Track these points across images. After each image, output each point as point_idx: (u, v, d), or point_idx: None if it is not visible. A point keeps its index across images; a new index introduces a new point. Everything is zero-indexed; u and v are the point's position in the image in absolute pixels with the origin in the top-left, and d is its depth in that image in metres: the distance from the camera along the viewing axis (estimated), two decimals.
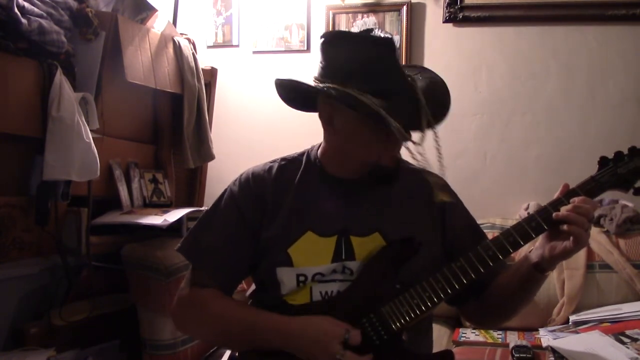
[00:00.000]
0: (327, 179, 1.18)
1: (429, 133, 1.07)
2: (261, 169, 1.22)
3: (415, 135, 1.05)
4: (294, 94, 1.18)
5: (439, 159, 1.09)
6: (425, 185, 1.13)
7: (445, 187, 1.26)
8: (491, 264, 1.06)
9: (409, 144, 1.06)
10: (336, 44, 1.10)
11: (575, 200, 1.03)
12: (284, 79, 1.16)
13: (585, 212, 1.01)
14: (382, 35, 1.09)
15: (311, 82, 1.11)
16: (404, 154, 1.13)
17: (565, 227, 1.01)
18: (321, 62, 1.11)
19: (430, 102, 1.07)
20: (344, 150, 1.14)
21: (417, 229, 1.16)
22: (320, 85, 1.08)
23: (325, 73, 1.09)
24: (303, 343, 1.04)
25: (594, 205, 1.03)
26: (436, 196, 1.16)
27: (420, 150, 1.05)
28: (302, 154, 1.24)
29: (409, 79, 1.09)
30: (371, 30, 1.12)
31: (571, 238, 1.01)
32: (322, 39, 1.11)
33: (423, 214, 1.19)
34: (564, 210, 1.02)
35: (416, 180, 1.16)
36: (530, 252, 1.10)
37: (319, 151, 1.21)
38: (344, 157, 1.15)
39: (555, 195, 1.07)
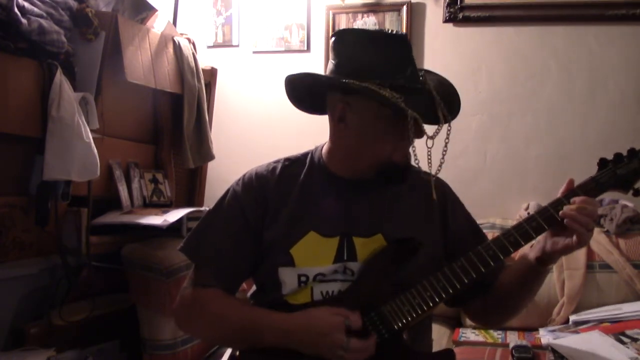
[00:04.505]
0: (331, 179, 1.18)
1: (441, 130, 1.07)
2: (264, 169, 1.22)
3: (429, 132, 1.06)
4: (304, 91, 1.18)
5: (442, 159, 1.09)
6: (427, 187, 1.13)
7: (446, 189, 1.26)
8: (492, 263, 1.06)
9: (414, 144, 1.07)
10: (349, 41, 1.10)
11: (577, 200, 1.03)
12: (298, 73, 1.14)
13: (591, 213, 1.02)
14: (395, 32, 1.09)
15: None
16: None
17: (570, 226, 1.01)
18: (334, 60, 1.10)
19: (443, 99, 1.08)
20: (354, 149, 1.13)
21: (419, 230, 1.16)
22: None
23: (339, 70, 1.08)
24: (306, 338, 1.04)
25: (596, 205, 1.04)
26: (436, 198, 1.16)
27: (429, 147, 1.05)
28: (305, 155, 1.24)
29: (423, 78, 1.10)
30: (380, 30, 1.12)
31: (574, 237, 1.02)
32: (334, 37, 1.11)
33: (424, 215, 1.19)
34: (568, 209, 1.02)
35: (417, 182, 1.16)
36: (530, 247, 1.11)
37: (323, 152, 1.21)
38: (353, 157, 1.14)
39: (560, 191, 1.08)
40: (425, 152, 1.06)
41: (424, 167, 1.11)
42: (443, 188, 1.25)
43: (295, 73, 1.15)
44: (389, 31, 1.10)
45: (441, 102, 1.07)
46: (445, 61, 2.45)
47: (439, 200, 1.19)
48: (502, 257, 1.06)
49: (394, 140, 1.09)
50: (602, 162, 1.10)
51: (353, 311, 1.05)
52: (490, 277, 1.17)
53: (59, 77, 1.68)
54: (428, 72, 1.17)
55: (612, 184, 1.07)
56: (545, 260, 1.07)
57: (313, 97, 1.18)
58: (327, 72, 1.11)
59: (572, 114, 2.37)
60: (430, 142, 1.04)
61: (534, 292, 1.16)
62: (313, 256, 1.12)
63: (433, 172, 1.09)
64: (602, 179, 1.07)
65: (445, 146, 1.07)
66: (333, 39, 1.11)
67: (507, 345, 1.80)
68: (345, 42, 1.10)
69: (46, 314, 1.82)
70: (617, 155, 1.09)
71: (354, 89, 1.04)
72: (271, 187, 1.18)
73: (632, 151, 1.09)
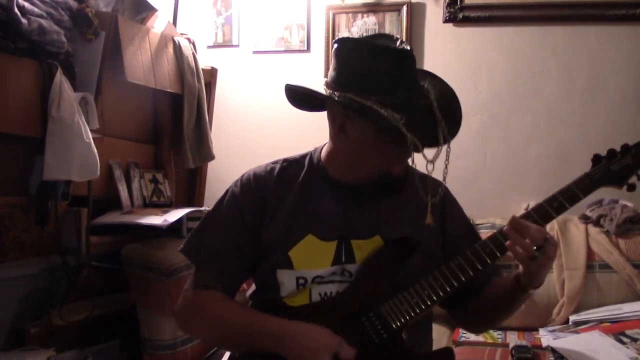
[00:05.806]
0: (330, 182, 1.18)
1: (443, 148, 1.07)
2: (263, 169, 1.22)
3: (429, 150, 1.05)
4: (304, 98, 1.17)
5: (445, 171, 1.09)
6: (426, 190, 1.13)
7: (445, 191, 1.26)
8: (489, 261, 1.06)
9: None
10: (352, 51, 1.07)
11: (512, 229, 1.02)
12: (297, 86, 1.13)
13: (532, 236, 1.00)
14: (400, 45, 1.07)
15: (323, 87, 1.10)
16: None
17: (509, 246, 1.02)
18: (335, 69, 1.08)
19: (445, 115, 1.07)
20: (353, 159, 1.13)
21: (417, 233, 1.15)
22: (337, 94, 1.05)
23: (341, 81, 1.06)
24: (295, 348, 1.04)
25: (542, 232, 1.01)
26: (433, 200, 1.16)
27: (429, 170, 1.05)
28: (304, 156, 1.24)
29: (425, 91, 1.09)
30: (383, 35, 1.11)
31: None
32: (337, 45, 1.09)
33: (423, 218, 1.18)
34: (513, 222, 1.02)
35: (417, 185, 1.15)
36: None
37: (322, 154, 1.21)
38: (352, 164, 1.14)
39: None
40: (423, 159, 1.06)
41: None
42: (442, 190, 1.24)
43: (295, 85, 1.13)
44: (394, 42, 1.07)
45: (442, 121, 1.06)
46: (445, 61, 2.45)
47: (437, 202, 1.19)
48: (499, 255, 1.06)
49: (393, 155, 1.09)
50: (596, 159, 1.11)
51: (350, 346, 1.03)
52: (482, 283, 1.17)
53: (59, 77, 1.68)
54: (430, 75, 1.16)
55: (607, 180, 1.08)
56: (522, 281, 1.06)
57: (313, 102, 1.17)
58: (328, 79, 1.10)
59: (572, 114, 2.37)
60: (430, 166, 1.05)
61: (512, 310, 1.15)
62: (311, 259, 1.12)
63: (441, 179, 1.09)
64: (597, 175, 1.08)
65: (447, 159, 1.07)
66: (336, 45, 1.09)
67: (507, 345, 1.80)
68: (347, 51, 1.07)
69: (46, 314, 1.82)
70: (611, 152, 1.10)
71: (354, 108, 1.03)
72: (269, 188, 1.18)
73: (625, 147, 1.09)
